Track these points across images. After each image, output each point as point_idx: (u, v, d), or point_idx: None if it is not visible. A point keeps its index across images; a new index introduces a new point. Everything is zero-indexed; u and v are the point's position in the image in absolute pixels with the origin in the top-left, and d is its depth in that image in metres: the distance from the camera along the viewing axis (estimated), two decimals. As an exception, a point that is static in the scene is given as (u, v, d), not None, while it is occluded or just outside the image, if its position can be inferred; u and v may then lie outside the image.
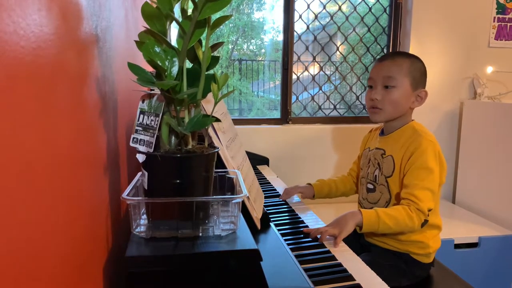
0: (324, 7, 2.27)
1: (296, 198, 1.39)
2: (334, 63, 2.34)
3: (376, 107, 1.19)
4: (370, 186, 1.25)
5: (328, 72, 2.35)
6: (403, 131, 1.19)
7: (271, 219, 1.09)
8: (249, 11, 2.45)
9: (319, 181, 1.42)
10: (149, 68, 0.66)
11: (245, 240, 0.62)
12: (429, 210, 1.10)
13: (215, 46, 0.66)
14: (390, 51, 2.34)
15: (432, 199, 1.10)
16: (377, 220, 1.06)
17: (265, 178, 1.68)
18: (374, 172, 1.23)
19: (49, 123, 0.40)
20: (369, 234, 1.24)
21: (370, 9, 2.31)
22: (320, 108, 2.35)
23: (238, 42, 2.43)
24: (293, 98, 2.28)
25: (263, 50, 2.42)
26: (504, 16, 2.30)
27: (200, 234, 0.63)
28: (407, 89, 1.17)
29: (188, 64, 0.65)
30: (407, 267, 1.16)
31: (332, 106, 2.37)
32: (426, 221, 1.11)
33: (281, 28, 2.25)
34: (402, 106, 1.18)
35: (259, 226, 0.95)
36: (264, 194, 1.33)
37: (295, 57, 2.25)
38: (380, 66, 1.20)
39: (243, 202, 0.79)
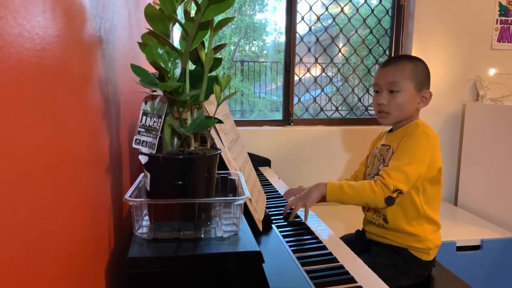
0: (327, 9, 2.27)
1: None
2: (336, 64, 2.34)
3: (383, 111, 1.23)
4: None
5: (330, 74, 2.35)
6: (406, 127, 1.23)
7: (273, 221, 1.09)
8: (251, 12, 2.45)
9: None
10: (152, 70, 0.66)
11: (247, 241, 0.62)
12: (397, 191, 1.10)
13: (217, 48, 0.66)
14: (393, 52, 2.34)
15: (404, 181, 1.11)
16: (340, 192, 1.13)
17: (267, 180, 1.68)
18: (379, 166, 1.26)
19: (52, 124, 0.40)
20: (371, 230, 1.25)
21: (372, 10, 2.31)
22: (322, 109, 2.35)
23: (240, 43, 2.43)
24: (295, 99, 2.28)
25: (265, 52, 2.42)
26: (507, 18, 2.29)
27: (202, 236, 0.63)
28: (411, 92, 1.20)
29: (190, 66, 0.65)
30: (406, 265, 1.18)
31: (334, 108, 2.37)
32: (391, 198, 1.10)
33: (283, 29, 2.25)
34: (408, 108, 1.22)
35: (261, 228, 0.95)
36: (266, 195, 1.33)
37: (297, 59, 2.25)
38: (384, 71, 1.23)
39: (245, 203, 0.79)
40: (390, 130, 1.31)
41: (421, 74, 1.21)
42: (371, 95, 2.37)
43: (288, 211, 1.17)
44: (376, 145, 1.36)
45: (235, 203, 0.66)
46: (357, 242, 1.31)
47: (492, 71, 2.29)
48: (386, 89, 1.22)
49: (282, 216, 1.20)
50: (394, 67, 1.22)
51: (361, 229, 1.37)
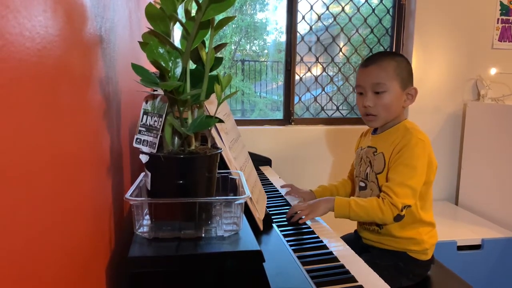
0: (327, 8, 2.26)
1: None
2: (337, 64, 2.34)
3: (371, 114, 1.19)
4: (362, 184, 1.26)
5: (331, 73, 2.34)
6: (395, 130, 1.20)
7: (274, 220, 1.09)
8: (252, 11, 2.45)
9: (320, 187, 1.43)
10: (152, 69, 0.66)
11: (248, 241, 0.62)
12: (406, 207, 1.10)
13: (218, 47, 0.66)
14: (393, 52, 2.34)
15: (411, 196, 1.10)
16: (348, 209, 1.11)
17: (268, 179, 1.68)
18: (366, 170, 1.24)
19: (53, 123, 0.40)
20: (366, 236, 1.25)
21: (373, 10, 2.30)
22: (322, 109, 2.35)
23: (240, 42, 2.43)
24: (296, 99, 2.27)
25: (266, 51, 2.42)
26: (508, 17, 2.29)
27: (203, 235, 0.63)
28: (397, 91, 1.17)
29: (191, 65, 0.65)
30: (406, 266, 1.17)
31: (334, 107, 2.37)
32: (400, 216, 1.10)
33: (284, 29, 2.25)
34: (395, 108, 1.18)
35: (261, 227, 0.95)
36: (267, 195, 1.33)
37: (298, 58, 2.25)
38: (366, 72, 1.18)
39: (245, 203, 0.79)
40: (375, 130, 1.27)
41: (405, 71, 1.17)
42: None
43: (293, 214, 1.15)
44: (360, 144, 1.33)
45: (236, 202, 0.66)
46: (357, 241, 1.31)
47: (493, 71, 2.28)
48: (370, 91, 1.17)
49: (283, 216, 1.20)
50: (376, 66, 1.16)
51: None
